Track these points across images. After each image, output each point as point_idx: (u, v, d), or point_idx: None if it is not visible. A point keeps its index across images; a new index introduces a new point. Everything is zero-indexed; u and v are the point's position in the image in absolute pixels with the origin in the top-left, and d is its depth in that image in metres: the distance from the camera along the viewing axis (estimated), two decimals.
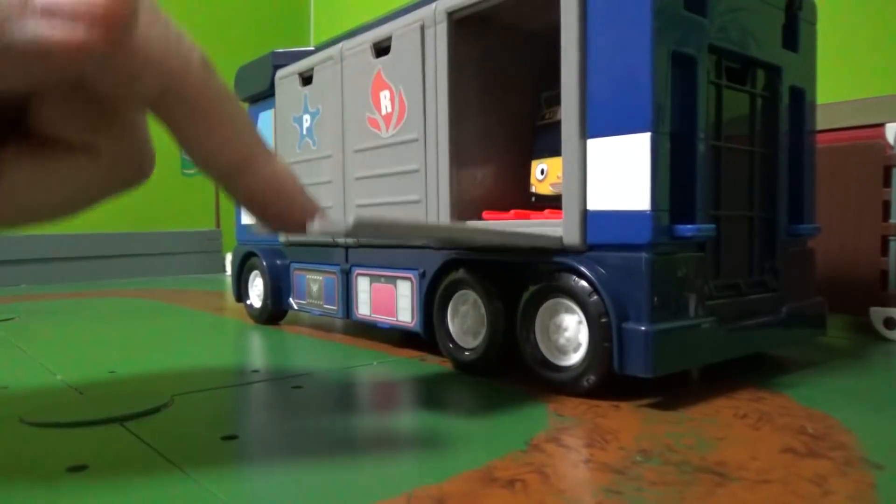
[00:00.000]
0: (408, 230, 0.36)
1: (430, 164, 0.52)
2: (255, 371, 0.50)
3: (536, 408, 0.38)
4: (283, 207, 0.29)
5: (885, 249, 0.61)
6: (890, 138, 0.60)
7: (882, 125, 0.61)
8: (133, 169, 0.28)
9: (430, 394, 0.43)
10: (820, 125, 0.58)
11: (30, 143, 0.25)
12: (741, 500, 0.25)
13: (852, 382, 0.43)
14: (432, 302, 0.51)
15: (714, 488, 0.26)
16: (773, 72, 0.48)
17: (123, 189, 0.28)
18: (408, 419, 0.37)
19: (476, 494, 0.26)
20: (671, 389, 0.42)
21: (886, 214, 0.61)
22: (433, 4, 0.51)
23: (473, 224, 0.39)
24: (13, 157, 0.25)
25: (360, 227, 0.31)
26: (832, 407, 0.37)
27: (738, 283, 0.46)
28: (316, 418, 0.37)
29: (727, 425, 0.34)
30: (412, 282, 0.54)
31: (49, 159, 0.25)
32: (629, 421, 0.35)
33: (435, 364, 0.51)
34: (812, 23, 0.51)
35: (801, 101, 0.50)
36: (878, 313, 0.60)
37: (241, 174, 0.28)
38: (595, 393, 0.40)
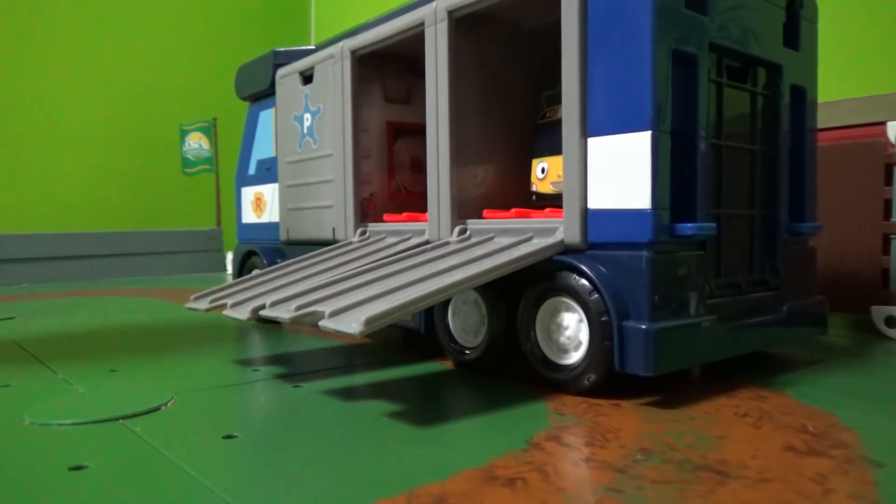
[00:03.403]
0: (416, 302, 0.37)
1: (431, 162, 0.52)
2: (256, 370, 0.50)
3: (537, 406, 0.38)
4: None
5: (886, 248, 0.61)
6: (891, 136, 0.60)
7: (883, 123, 0.61)
8: None
9: (431, 393, 0.43)
10: (821, 123, 0.58)
11: None
12: (742, 499, 0.25)
13: (853, 381, 0.43)
14: None
15: (715, 487, 0.26)
16: (774, 70, 0.48)
17: None
18: (408, 418, 0.37)
19: (477, 493, 0.26)
20: (672, 388, 0.42)
21: (887, 213, 0.61)
22: (434, 3, 0.51)
23: (474, 271, 0.40)
24: None
25: (371, 326, 0.34)
26: (833, 405, 0.37)
27: (738, 281, 0.46)
28: (316, 417, 0.37)
29: (728, 424, 0.34)
30: None
31: None
32: (630, 419, 0.35)
33: (436, 363, 0.51)
34: (813, 21, 0.51)
35: (802, 99, 0.50)
36: (879, 312, 0.59)
37: None
38: (596, 391, 0.40)
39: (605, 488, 0.26)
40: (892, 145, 0.60)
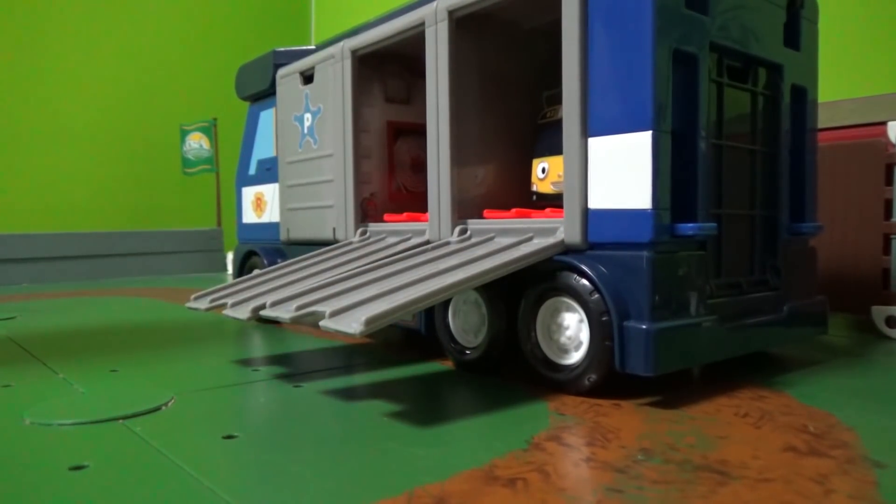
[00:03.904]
0: (417, 302, 0.37)
1: (432, 162, 0.52)
2: (256, 370, 0.50)
3: (537, 406, 0.38)
4: None
5: (886, 248, 0.61)
6: (892, 136, 0.60)
7: (884, 123, 0.61)
8: None
9: (431, 393, 0.43)
10: (822, 123, 0.58)
11: None
12: (743, 499, 0.25)
13: (854, 381, 0.43)
14: None
15: (716, 487, 0.26)
16: (775, 70, 0.48)
17: None
18: (408, 418, 0.37)
19: (477, 493, 0.26)
20: (672, 388, 0.42)
21: (888, 213, 0.61)
22: (434, 3, 0.51)
23: (475, 271, 0.40)
24: None
25: (371, 326, 0.34)
26: (834, 405, 0.37)
27: (739, 281, 0.46)
28: (316, 417, 0.37)
29: (728, 424, 0.34)
30: None
31: None
32: (630, 420, 0.35)
33: (436, 363, 0.51)
34: (814, 21, 0.51)
35: (803, 99, 0.50)
36: (879, 312, 0.59)
37: None
38: (596, 391, 0.40)
39: (605, 488, 0.26)
40: (893, 145, 0.60)
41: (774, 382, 0.43)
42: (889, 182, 0.60)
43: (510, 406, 0.38)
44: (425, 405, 0.40)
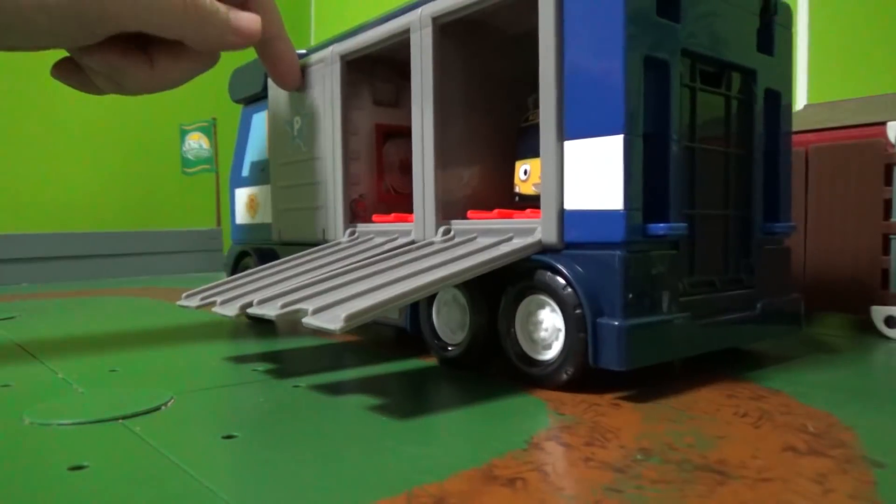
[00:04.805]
0: (396, 300, 0.38)
1: (417, 165, 0.52)
2: (255, 370, 0.50)
3: (536, 406, 0.38)
4: (288, 66, 0.61)
5: (886, 248, 0.61)
6: (891, 137, 0.60)
7: (883, 123, 0.61)
8: (214, 59, 0.55)
9: (430, 392, 0.43)
10: (821, 123, 0.58)
11: (166, 48, 0.52)
12: (742, 499, 0.25)
13: (853, 381, 0.43)
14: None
15: (715, 486, 0.26)
16: (748, 75, 0.48)
17: (209, 68, 0.56)
18: (407, 417, 0.37)
19: (476, 492, 0.26)
20: (671, 388, 0.42)
21: (887, 213, 0.61)
22: (419, 10, 0.51)
23: (454, 269, 0.41)
24: (159, 54, 0.52)
25: (351, 322, 0.35)
26: (833, 405, 0.37)
27: (712, 279, 0.46)
28: (315, 417, 0.37)
29: (727, 424, 0.34)
30: None
31: (178, 56, 0.52)
32: (629, 419, 0.35)
33: (434, 362, 0.51)
34: (787, 27, 0.51)
35: (777, 103, 0.50)
36: (878, 312, 0.59)
37: (274, 41, 0.58)
38: (595, 390, 0.40)
39: (604, 488, 0.26)
40: (892, 145, 0.60)
41: (773, 382, 0.43)
42: (888, 182, 0.60)
43: (509, 406, 0.38)
44: (424, 405, 0.40)
